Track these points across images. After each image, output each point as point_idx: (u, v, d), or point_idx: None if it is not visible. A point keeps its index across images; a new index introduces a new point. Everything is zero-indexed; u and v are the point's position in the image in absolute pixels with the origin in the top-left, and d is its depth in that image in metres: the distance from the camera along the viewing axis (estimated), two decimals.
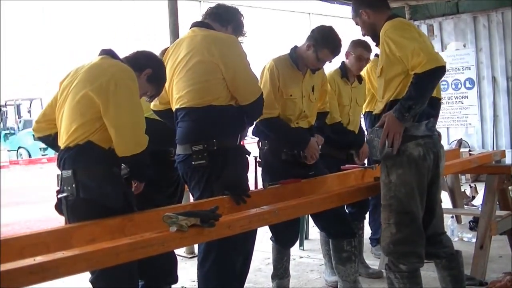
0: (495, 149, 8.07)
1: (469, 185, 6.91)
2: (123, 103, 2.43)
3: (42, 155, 17.16)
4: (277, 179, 3.19)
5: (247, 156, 2.93)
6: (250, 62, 2.88)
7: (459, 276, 2.96)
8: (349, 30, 6.19)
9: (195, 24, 2.95)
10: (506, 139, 8.30)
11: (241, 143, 2.95)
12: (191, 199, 3.18)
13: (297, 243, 4.30)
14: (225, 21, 2.97)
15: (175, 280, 3.20)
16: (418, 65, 2.58)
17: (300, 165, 3.44)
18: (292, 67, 3.44)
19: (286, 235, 3.64)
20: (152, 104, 3.08)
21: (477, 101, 8.54)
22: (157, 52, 2.95)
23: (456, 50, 8.63)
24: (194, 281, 3.95)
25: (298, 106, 3.44)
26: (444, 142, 7.64)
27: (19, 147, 18.32)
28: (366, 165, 3.82)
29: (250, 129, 3.40)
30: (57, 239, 2.20)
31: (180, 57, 2.85)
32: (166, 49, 3.10)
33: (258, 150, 3.56)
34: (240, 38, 3.02)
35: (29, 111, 19.76)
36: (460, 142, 8.02)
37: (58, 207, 2.52)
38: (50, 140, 2.69)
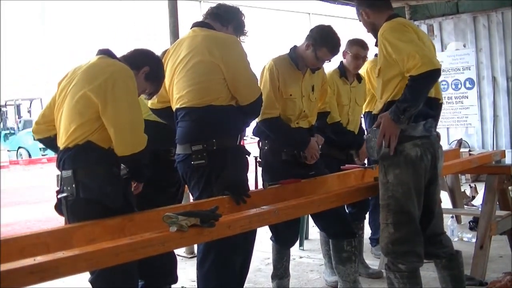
0: (495, 149, 8.07)
1: (469, 185, 6.91)
2: (121, 102, 2.43)
3: (42, 155, 17.14)
4: (277, 179, 3.19)
5: (246, 156, 2.93)
6: (250, 62, 2.88)
7: (459, 276, 2.96)
8: (348, 30, 6.20)
9: (196, 24, 2.95)
10: (506, 139, 8.29)
11: (241, 143, 2.95)
12: (191, 199, 3.18)
13: (297, 243, 4.31)
14: (225, 21, 2.97)
15: (175, 280, 3.20)
16: (413, 67, 2.59)
17: (301, 165, 3.44)
18: (292, 67, 3.44)
19: (286, 235, 3.64)
20: (150, 102, 3.08)
21: (477, 101, 8.53)
22: (157, 52, 2.95)
23: (456, 50, 8.63)
24: (193, 281, 3.94)
25: (298, 105, 3.44)
26: (444, 142, 7.65)
27: (19, 147, 18.29)
28: (366, 165, 3.82)
29: (248, 129, 3.39)
30: (57, 239, 2.21)
31: (181, 57, 2.85)
32: (166, 50, 3.10)
33: (258, 150, 3.56)
34: (241, 38, 3.02)
35: (29, 111, 19.75)
36: (460, 142, 8.01)
37: (58, 207, 2.52)
38: (50, 142, 2.69)
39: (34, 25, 25.86)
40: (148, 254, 2.04)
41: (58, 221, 2.76)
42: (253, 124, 3.41)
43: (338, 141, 3.93)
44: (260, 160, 3.51)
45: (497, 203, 4.04)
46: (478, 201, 5.89)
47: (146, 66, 2.66)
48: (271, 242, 3.72)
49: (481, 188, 5.57)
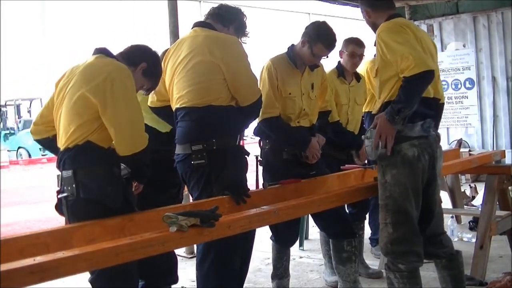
0: (495, 149, 8.07)
1: (469, 185, 6.91)
2: (120, 102, 2.43)
3: (42, 155, 17.13)
4: (278, 179, 3.19)
5: (246, 156, 2.93)
6: (251, 63, 2.88)
7: (459, 276, 2.96)
8: (348, 30, 6.20)
9: (197, 24, 2.95)
10: (506, 139, 8.30)
11: (241, 143, 2.95)
12: (191, 199, 3.18)
13: (297, 243, 4.30)
14: (227, 21, 2.97)
15: (175, 280, 3.20)
16: (406, 68, 2.60)
17: (302, 164, 3.44)
18: (290, 66, 3.43)
19: (286, 235, 3.64)
20: (149, 101, 3.08)
21: (477, 101, 8.54)
22: (157, 52, 2.94)
23: (456, 50, 8.63)
24: (193, 281, 3.93)
25: (298, 104, 3.44)
26: (444, 142, 7.65)
27: (19, 147, 18.30)
28: (366, 165, 3.82)
29: (248, 129, 3.39)
30: (57, 239, 2.20)
31: (181, 57, 2.85)
32: (167, 50, 3.10)
33: (259, 150, 3.56)
34: (242, 39, 3.02)
35: (29, 111, 19.74)
36: (460, 142, 8.02)
37: (58, 207, 2.52)
38: (49, 142, 2.69)
39: (34, 25, 25.87)
40: (148, 254, 2.04)
41: (58, 221, 2.76)
42: (254, 124, 3.40)
43: (338, 141, 3.93)
44: (261, 159, 3.51)
45: (497, 203, 4.04)
46: (478, 201, 5.89)
47: (143, 62, 2.66)
48: (271, 242, 3.72)
49: (481, 188, 5.57)
